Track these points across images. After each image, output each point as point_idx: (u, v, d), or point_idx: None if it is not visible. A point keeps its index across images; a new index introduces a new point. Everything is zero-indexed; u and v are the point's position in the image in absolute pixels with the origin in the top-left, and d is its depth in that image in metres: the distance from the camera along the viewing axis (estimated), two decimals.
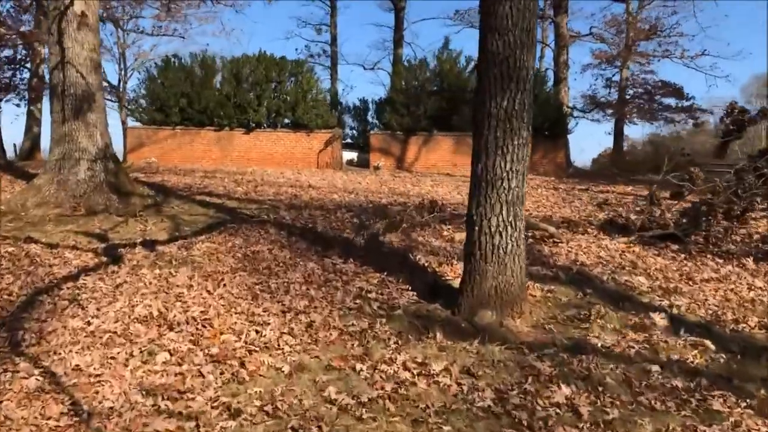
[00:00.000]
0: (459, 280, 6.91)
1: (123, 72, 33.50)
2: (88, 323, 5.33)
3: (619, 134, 30.86)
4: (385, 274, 6.96)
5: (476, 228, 5.78)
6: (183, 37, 30.37)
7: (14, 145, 27.17)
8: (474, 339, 5.22)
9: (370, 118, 27.89)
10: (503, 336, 5.35)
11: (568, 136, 24.12)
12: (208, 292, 6.14)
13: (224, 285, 6.37)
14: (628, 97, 30.86)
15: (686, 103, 29.82)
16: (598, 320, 5.78)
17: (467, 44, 45.73)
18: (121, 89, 33.73)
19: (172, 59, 24.83)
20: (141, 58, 32.77)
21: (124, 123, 32.31)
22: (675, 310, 6.17)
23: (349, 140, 28.11)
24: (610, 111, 30.37)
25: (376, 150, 23.73)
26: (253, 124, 24.09)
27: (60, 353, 4.76)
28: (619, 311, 6.05)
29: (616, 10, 29.98)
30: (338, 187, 15.44)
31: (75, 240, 8.23)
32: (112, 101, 32.61)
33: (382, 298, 6.25)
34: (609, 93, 31.65)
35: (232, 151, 23.88)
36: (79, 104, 9.76)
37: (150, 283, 6.39)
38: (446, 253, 7.91)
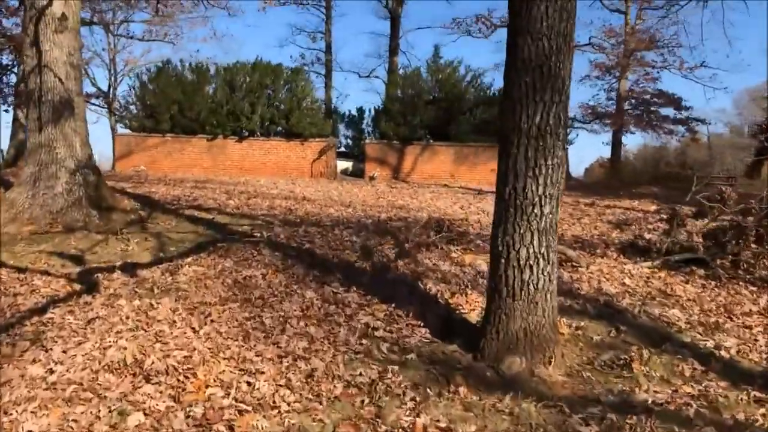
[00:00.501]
0: (475, 312, 6.14)
1: (113, 77, 32.59)
2: (51, 371, 4.48)
3: (617, 144, 30.21)
4: (393, 305, 6.14)
5: (503, 260, 4.97)
6: (173, 43, 29.38)
7: (0, 152, 26.22)
8: (504, 393, 4.40)
9: (365, 127, 27.16)
10: (536, 389, 4.54)
11: (568, 148, 23.31)
12: (193, 330, 5.29)
13: (212, 321, 5.52)
14: (627, 107, 30.23)
15: (683, 114, 29.23)
16: (642, 367, 4.98)
17: (464, 53, 45.02)
18: (110, 95, 32.77)
19: (167, 65, 23.96)
20: (131, 64, 31.88)
21: (114, 130, 31.41)
22: (724, 353, 5.38)
23: (343, 149, 27.35)
24: (608, 121, 29.71)
25: (371, 159, 22.96)
26: (246, 133, 23.31)
27: (12, 413, 3.91)
28: (662, 354, 5.26)
29: (615, 21, 29.42)
30: (334, 200, 14.62)
31: (47, 263, 7.36)
32: (101, 107, 31.70)
33: (392, 337, 5.43)
34: (608, 103, 31.04)
35: (224, 160, 23.04)
36: (57, 112, 8.91)
37: (127, 318, 5.54)
38: (458, 280, 7.10)
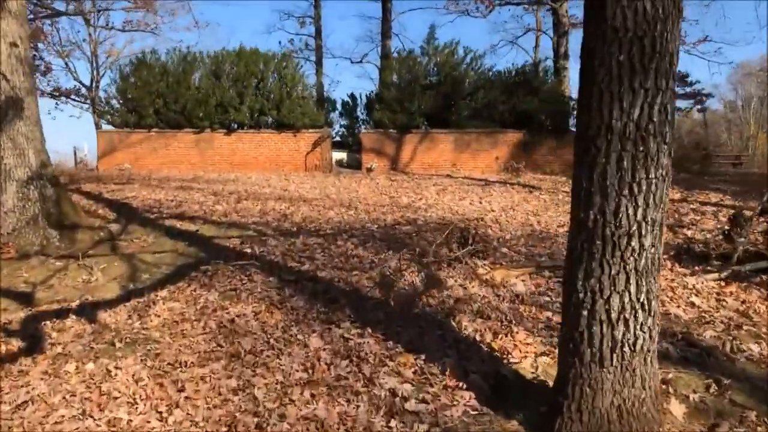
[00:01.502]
0: (528, 361, 4.69)
1: (95, 71, 30.76)
2: None
3: None
4: (423, 356, 4.67)
5: (584, 312, 3.51)
6: (155, 33, 27.60)
7: None
8: None
9: (360, 115, 25.57)
10: None
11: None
12: (160, 416, 3.82)
13: (186, 398, 4.04)
14: None
15: (690, 89, 27.77)
16: None
17: (458, 35, 43.13)
18: (93, 89, 30.97)
19: (147, 56, 22.27)
20: (112, 55, 30.06)
21: (98, 126, 29.68)
22: None
23: (337, 138, 25.76)
24: None
25: (368, 150, 21.40)
26: (235, 125, 21.70)
27: None
28: None
29: None
30: (332, 199, 13.11)
31: None
32: (84, 103, 29.93)
33: (429, 411, 3.97)
34: None
35: (213, 155, 21.45)
36: (2, 113, 7.34)
37: (72, 396, 4.06)
38: (497, 312, 5.63)
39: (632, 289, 3.43)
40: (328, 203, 12.25)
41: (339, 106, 26.14)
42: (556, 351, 4.81)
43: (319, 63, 31.50)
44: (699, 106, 28.32)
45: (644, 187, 3.33)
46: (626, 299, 3.43)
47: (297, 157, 21.40)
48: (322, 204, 12.12)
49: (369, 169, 20.96)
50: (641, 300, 3.45)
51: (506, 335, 5.09)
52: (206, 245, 8.20)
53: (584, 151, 3.45)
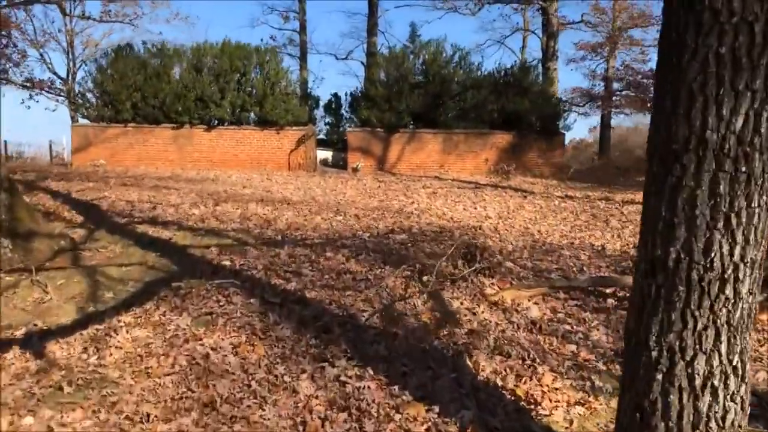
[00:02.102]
0: (559, 413, 3.90)
1: (71, 63, 29.49)
2: None
3: (606, 127, 28.15)
4: (437, 410, 3.83)
5: (659, 375, 2.71)
6: (133, 24, 26.45)
7: None
8: None
9: (345, 113, 24.70)
10: None
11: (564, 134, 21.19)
12: None
13: None
14: (617, 87, 28.17)
15: None
16: None
17: (444, 33, 42.28)
18: (69, 81, 29.69)
19: (125, 48, 21.21)
20: (89, 46, 28.79)
21: (74, 120, 28.44)
22: None
23: (321, 136, 24.85)
24: (598, 103, 27.61)
25: (354, 149, 20.56)
26: (216, 121, 20.75)
27: None
28: None
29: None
30: (318, 202, 12.25)
31: None
32: (58, 96, 28.65)
33: None
34: (597, 84, 28.93)
35: (192, 152, 20.46)
36: None
37: None
38: (517, 348, 4.81)
39: (723, 348, 2.63)
40: (314, 207, 11.38)
41: (323, 103, 25.26)
42: (592, 400, 4.04)
43: (303, 59, 30.55)
44: None
45: (744, 219, 2.53)
46: (715, 361, 2.64)
47: (280, 155, 20.49)
48: (308, 208, 11.24)
49: (355, 169, 20.12)
50: (734, 362, 2.66)
51: (531, 377, 4.27)
52: (180, 256, 7.30)
53: (663, 171, 2.64)
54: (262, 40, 39.12)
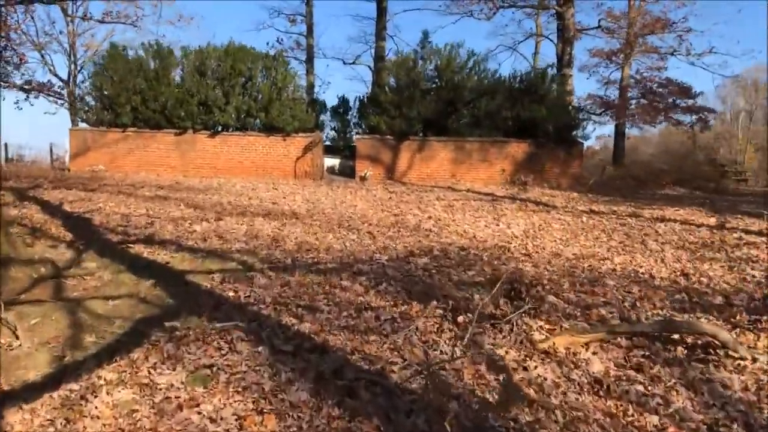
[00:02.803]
0: None
1: (73, 65, 28.60)
2: None
3: (620, 137, 27.17)
4: None
5: None
6: (135, 25, 25.55)
7: None
8: None
9: (351, 119, 23.73)
10: None
11: (583, 143, 20.22)
12: None
13: None
14: (631, 96, 27.21)
15: (692, 102, 26.32)
16: None
17: (457, 38, 41.24)
18: (71, 84, 28.80)
19: (121, 48, 20.29)
20: (91, 48, 27.89)
21: (75, 123, 27.55)
22: None
23: (327, 143, 23.90)
24: (611, 111, 26.65)
25: (363, 157, 19.61)
26: (220, 127, 19.79)
27: None
28: None
29: (618, 5, 26.29)
30: (329, 216, 11.32)
31: None
32: (58, 98, 27.74)
33: None
34: (610, 93, 27.98)
35: (195, 158, 19.52)
36: None
37: None
38: (594, 424, 3.85)
39: None
40: (324, 222, 10.44)
41: (329, 108, 24.31)
42: None
43: (309, 63, 29.64)
44: (703, 123, 26.75)
45: None
46: None
47: (286, 162, 19.55)
48: (318, 223, 10.31)
49: (363, 178, 19.18)
50: None
51: None
52: (177, 285, 6.36)
53: None
54: (268, 43, 38.14)
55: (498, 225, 10.99)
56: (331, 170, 21.41)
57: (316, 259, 7.69)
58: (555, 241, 9.71)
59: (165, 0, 25.48)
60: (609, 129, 27.55)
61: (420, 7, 54.70)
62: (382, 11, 27.99)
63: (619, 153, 27.06)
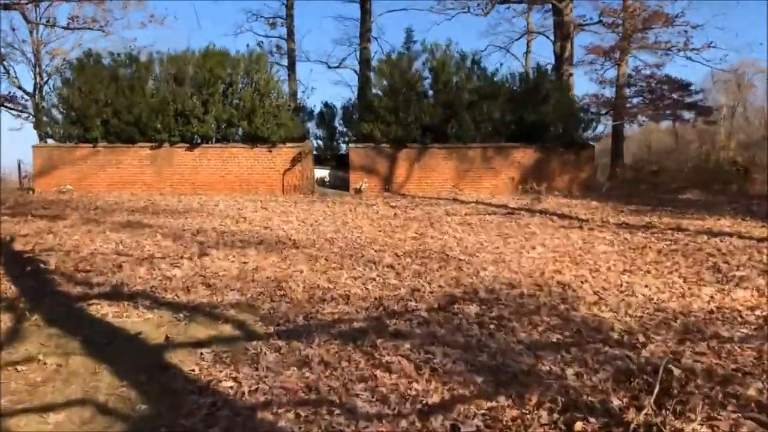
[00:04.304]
0: None
1: (38, 76, 26.25)
2: None
3: (618, 137, 25.62)
4: None
5: None
6: (104, 30, 23.33)
7: None
8: None
9: (338, 126, 21.85)
10: None
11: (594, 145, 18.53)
12: None
13: None
14: (629, 94, 25.67)
15: (692, 99, 24.86)
16: None
17: (443, 39, 39.01)
18: (37, 97, 26.45)
19: (89, 57, 18.17)
20: (57, 55, 25.52)
21: (42, 138, 25.25)
22: None
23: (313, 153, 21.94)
24: (609, 110, 25.10)
25: (357, 168, 17.73)
26: (199, 138, 17.78)
27: None
28: None
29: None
30: (333, 241, 9.47)
31: None
32: (21, 112, 25.40)
33: None
34: (606, 91, 26.44)
35: (172, 174, 17.47)
36: None
37: None
38: None
39: None
40: (331, 254, 8.54)
41: (315, 116, 22.39)
42: None
43: (291, 68, 27.64)
44: (703, 118, 25.31)
45: None
46: None
47: (272, 176, 17.59)
48: (324, 255, 8.40)
49: (358, 191, 17.29)
50: None
51: None
52: (152, 371, 4.40)
53: None
54: (248, 45, 35.97)
55: (534, 248, 9.17)
56: (320, 182, 19.47)
57: (336, 314, 5.78)
58: (614, 270, 7.90)
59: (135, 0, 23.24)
60: (600, 129, 26.05)
61: (405, 7, 52.25)
62: (366, 12, 26.16)
63: (618, 153, 25.52)
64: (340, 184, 19.00)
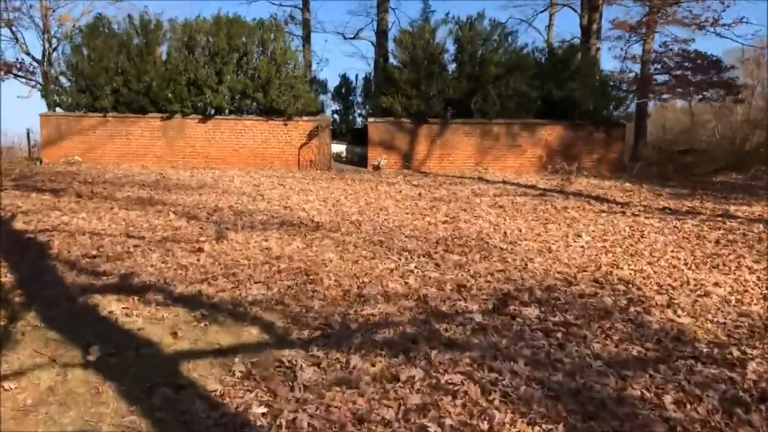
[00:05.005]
0: None
1: (47, 43, 25.28)
2: None
3: (642, 115, 24.52)
4: None
5: None
6: None
7: None
8: None
9: (354, 99, 20.92)
10: None
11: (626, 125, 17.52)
12: None
13: None
14: (654, 71, 24.50)
15: (723, 77, 23.65)
16: None
17: (466, 11, 37.62)
18: (46, 64, 25.51)
19: (100, 22, 17.21)
20: (65, 22, 24.51)
21: (50, 107, 24.34)
22: None
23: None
24: (634, 88, 23.94)
25: (376, 144, 16.81)
26: (212, 110, 16.88)
27: None
28: None
29: None
30: (358, 224, 8.64)
31: None
32: (31, 80, 24.50)
33: None
34: (630, 68, 25.24)
35: (184, 147, 16.59)
36: None
37: None
38: None
39: None
40: (360, 239, 7.72)
41: (332, 88, 21.44)
42: None
43: (306, 39, 26.50)
44: (732, 97, 24.11)
45: None
46: None
47: (288, 150, 16.70)
48: (352, 241, 7.58)
49: (376, 167, 16.40)
50: None
51: None
52: (167, 389, 3.60)
53: None
54: (262, 19, 34.83)
55: (579, 236, 8.32)
56: (336, 158, 18.58)
57: (377, 316, 4.96)
58: (673, 263, 7.05)
59: None
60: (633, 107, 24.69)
61: None
62: None
63: (641, 132, 24.44)
64: (357, 160, 18.11)
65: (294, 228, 8.29)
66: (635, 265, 6.85)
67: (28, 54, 25.06)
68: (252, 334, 4.54)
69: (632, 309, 5.31)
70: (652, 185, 13.90)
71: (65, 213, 8.73)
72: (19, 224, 7.81)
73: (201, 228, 8.04)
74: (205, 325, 4.64)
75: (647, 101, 24.11)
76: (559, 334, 4.69)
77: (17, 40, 25.12)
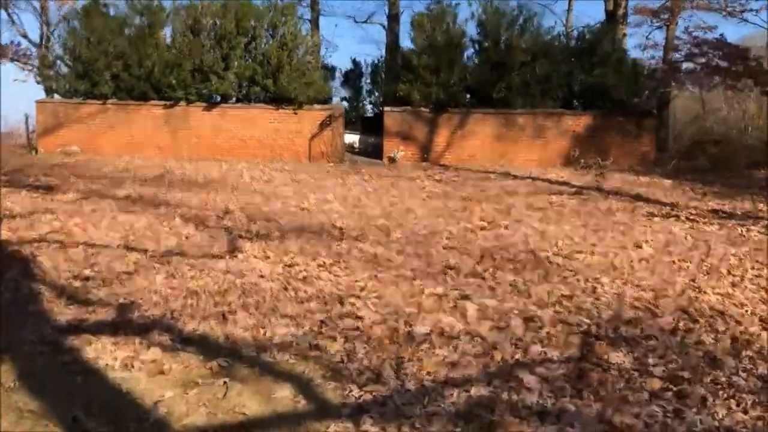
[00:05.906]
0: None
1: (44, 26, 24.12)
2: None
3: (664, 105, 23.34)
4: None
5: None
6: None
7: None
8: None
9: (365, 86, 19.83)
10: None
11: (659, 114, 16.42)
12: None
13: None
14: (676, 58, 23.30)
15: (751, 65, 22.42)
16: None
17: None
18: (44, 48, 24.33)
19: (97, 4, 16.09)
20: (63, 3, 23.32)
21: (48, 93, 23.19)
22: None
23: None
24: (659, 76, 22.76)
25: (392, 134, 15.76)
26: (218, 97, 15.77)
27: None
28: None
29: None
30: (386, 230, 7.64)
31: None
32: (27, 64, 23.35)
33: None
34: (653, 55, 24.05)
35: (188, 136, 15.55)
36: None
37: None
38: None
39: None
40: (392, 250, 6.71)
41: (341, 75, 20.34)
42: None
43: (315, 23, 25.30)
44: (761, 87, 22.88)
45: None
46: None
47: (299, 142, 15.65)
48: (385, 254, 6.56)
49: (392, 159, 15.37)
50: None
51: None
52: None
53: None
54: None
55: (639, 247, 7.31)
56: (349, 149, 17.51)
57: (438, 368, 3.94)
58: (760, 284, 6.04)
59: None
60: None
61: None
62: None
63: (664, 123, 23.29)
64: (371, 151, 17.06)
65: (315, 236, 7.28)
66: (719, 288, 5.84)
67: (25, 37, 23.93)
68: (284, 396, 3.53)
69: (745, 354, 4.31)
70: (692, 182, 12.86)
71: (58, 216, 7.72)
72: (5, 231, 6.81)
73: (211, 236, 7.04)
74: (225, 383, 3.64)
75: (670, 91, 22.90)
76: (669, 393, 3.69)
77: (13, 21, 23.97)
